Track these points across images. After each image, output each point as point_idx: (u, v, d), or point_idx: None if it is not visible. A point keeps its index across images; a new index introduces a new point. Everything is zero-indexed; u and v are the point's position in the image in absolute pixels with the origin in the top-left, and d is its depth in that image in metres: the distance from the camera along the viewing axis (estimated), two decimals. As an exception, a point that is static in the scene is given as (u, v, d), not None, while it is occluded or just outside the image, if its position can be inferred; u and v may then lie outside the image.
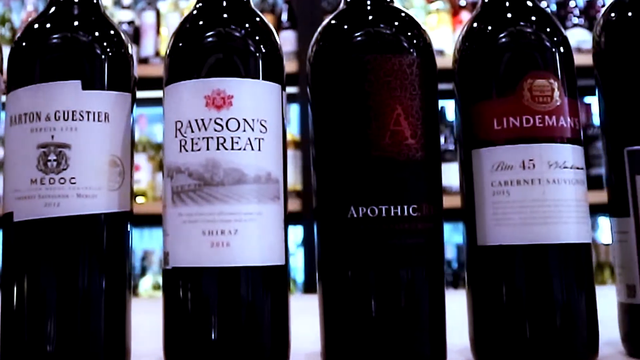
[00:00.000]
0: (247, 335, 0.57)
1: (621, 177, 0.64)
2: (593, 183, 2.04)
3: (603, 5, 2.19)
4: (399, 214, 0.58)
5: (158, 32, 2.09)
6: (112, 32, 0.63)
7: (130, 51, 0.64)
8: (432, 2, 2.12)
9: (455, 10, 2.12)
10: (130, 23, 2.08)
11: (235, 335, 0.57)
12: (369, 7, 0.64)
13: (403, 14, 0.64)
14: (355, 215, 0.58)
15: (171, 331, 0.59)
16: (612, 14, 0.67)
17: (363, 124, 0.59)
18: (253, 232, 0.58)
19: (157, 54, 2.07)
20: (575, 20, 2.17)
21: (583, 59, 2.03)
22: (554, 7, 2.21)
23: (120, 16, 2.08)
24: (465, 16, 2.11)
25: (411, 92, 0.60)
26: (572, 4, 2.21)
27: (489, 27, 0.64)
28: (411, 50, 0.61)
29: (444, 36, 2.07)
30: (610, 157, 0.66)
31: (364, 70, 0.59)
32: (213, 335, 0.57)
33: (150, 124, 2.12)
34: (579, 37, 2.08)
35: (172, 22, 2.06)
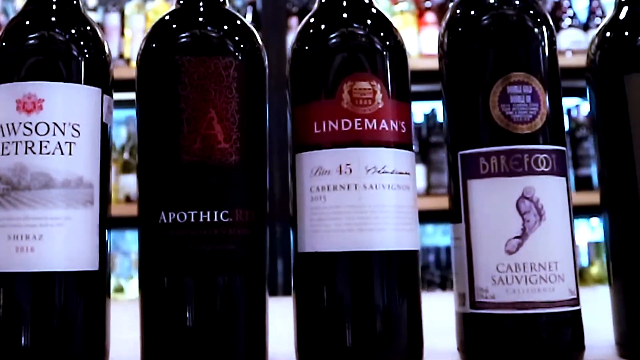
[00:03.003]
0: (56, 341, 0.57)
1: (457, 182, 0.62)
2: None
3: (569, 7, 2.16)
4: (208, 219, 0.57)
5: (122, 33, 2.10)
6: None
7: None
8: (397, 4, 2.10)
9: (421, 11, 2.10)
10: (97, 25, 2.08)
11: (44, 341, 0.56)
12: (200, 9, 0.63)
13: (235, 17, 0.63)
14: (165, 221, 0.57)
15: (-16, 337, 0.59)
16: (457, 11, 0.65)
17: (175, 128, 0.58)
18: (60, 237, 0.57)
19: (121, 56, 2.07)
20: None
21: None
22: None
23: (85, 19, 2.09)
24: (430, 17, 2.08)
25: (227, 95, 0.58)
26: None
27: (318, 27, 0.63)
28: (230, 53, 0.60)
29: (409, 37, 2.05)
30: (448, 162, 0.64)
31: (178, 72, 0.58)
32: (23, 342, 0.57)
33: (115, 126, 2.12)
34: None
35: (136, 24, 2.07)
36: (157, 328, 0.58)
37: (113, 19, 2.08)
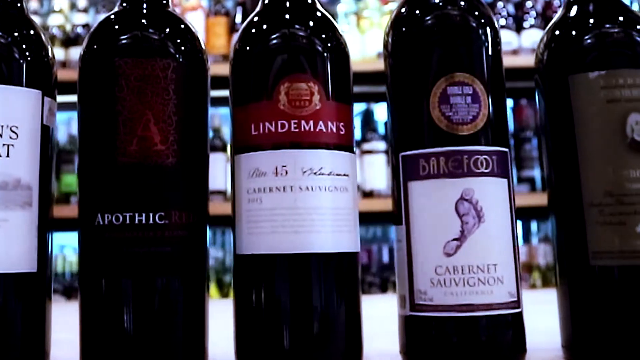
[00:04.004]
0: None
1: (398, 183, 0.62)
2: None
3: (560, 6, 2.16)
4: (144, 221, 0.57)
5: (113, 35, 2.10)
6: None
7: None
8: (387, 4, 2.10)
9: (411, 10, 2.09)
10: (85, 26, 2.09)
11: (-19, 343, 0.57)
12: (143, 11, 0.63)
13: (177, 20, 0.63)
14: (101, 223, 0.57)
15: None
16: (402, 10, 0.65)
17: (112, 130, 0.58)
18: (-4, 239, 0.57)
19: (112, 57, 2.08)
20: (532, 21, 2.13)
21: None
22: (511, 8, 2.17)
23: (75, 19, 2.10)
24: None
25: (164, 97, 0.58)
26: (528, 4, 2.17)
27: (259, 28, 0.62)
28: (168, 54, 0.59)
29: (399, 37, 2.05)
30: (391, 163, 0.63)
31: (115, 74, 0.58)
32: (-39, 343, 0.57)
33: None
34: (535, 38, 2.05)
35: (127, 25, 2.07)
36: (95, 330, 0.58)
37: (104, 20, 2.08)
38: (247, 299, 0.59)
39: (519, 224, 2.41)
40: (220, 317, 0.65)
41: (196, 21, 2.08)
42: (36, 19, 2.19)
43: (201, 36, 2.07)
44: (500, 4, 2.16)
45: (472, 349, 0.58)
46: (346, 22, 2.09)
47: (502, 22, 2.14)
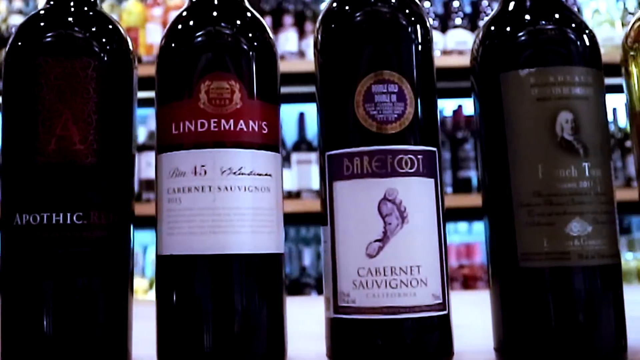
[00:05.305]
0: None
1: (324, 183, 0.61)
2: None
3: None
4: (61, 221, 0.56)
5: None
6: None
7: None
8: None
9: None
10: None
11: None
12: (70, 9, 0.62)
13: (104, 19, 0.62)
14: (19, 223, 0.57)
15: None
16: (333, 5, 0.64)
17: (31, 130, 0.57)
18: None
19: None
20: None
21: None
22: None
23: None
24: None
25: (83, 96, 0.58)
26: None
27: (185, 25, 0.62)
28: (89, 53, 0.59)
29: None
30: (319, 163, 0.62)
31: (36, 73, 0.58)
32: None
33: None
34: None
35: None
36: (15, 331, 0.58)
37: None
38: (167, 300, 0.58)
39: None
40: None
41: (181, 20, 2.08)
42: (21, 18, 2.19)
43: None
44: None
45: (397, 352, 0.57)
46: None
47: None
